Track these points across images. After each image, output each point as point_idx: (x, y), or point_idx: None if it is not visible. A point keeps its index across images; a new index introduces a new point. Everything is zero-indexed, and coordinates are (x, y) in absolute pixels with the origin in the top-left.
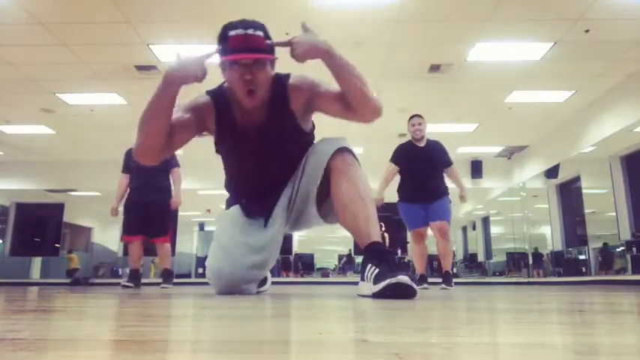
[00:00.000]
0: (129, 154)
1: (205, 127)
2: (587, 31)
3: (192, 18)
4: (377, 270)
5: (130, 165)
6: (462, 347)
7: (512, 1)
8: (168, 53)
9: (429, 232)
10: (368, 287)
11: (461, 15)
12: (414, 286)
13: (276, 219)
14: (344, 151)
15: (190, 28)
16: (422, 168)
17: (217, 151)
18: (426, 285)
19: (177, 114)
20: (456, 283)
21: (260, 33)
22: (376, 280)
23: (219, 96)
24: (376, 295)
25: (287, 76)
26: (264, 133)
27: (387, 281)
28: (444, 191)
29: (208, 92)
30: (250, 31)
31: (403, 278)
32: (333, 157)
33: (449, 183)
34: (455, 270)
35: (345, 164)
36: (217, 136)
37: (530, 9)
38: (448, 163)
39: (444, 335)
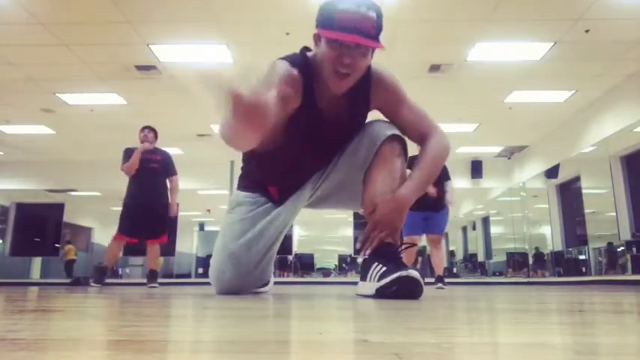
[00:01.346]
0: (127, 153)
1: (287, 106)
2: (587, 31)
3: (193, 18)
4: (384, 268)
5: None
6: (462, 347)
7: (512, 1)
8: (169, 53)
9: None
10: (370, 286)
11: (461, 15)
12: (422, 283)
13: (299, 199)
14: (395, 139)
15: (190, 28)
16: None
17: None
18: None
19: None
20: (456, 283)
21: (373, 15)
22: (382, 277)
23: (306, 72)
24: (380, 291)
25: (369, 68)
26: (340, 127)
27: (397, 274)
28: (444, 203)
29: (294, 63)
30: (363, 10)
31: (413, 272)
32: (384, 143)
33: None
34: (455, 270)
35: (393, 154)
36: (293, 120)
37: (530, 9)
38: (447, 176)
39: (444, 335)
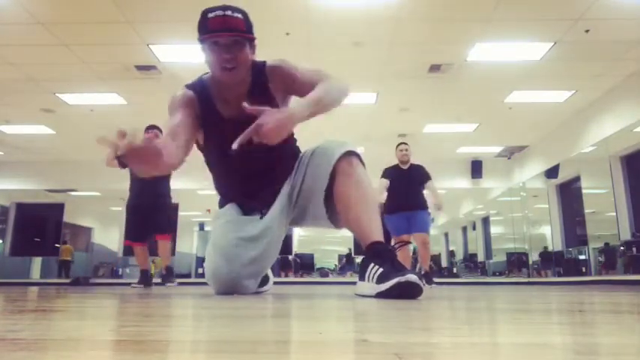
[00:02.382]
0: None
1: (194, 121)
2: (587, 31)
3: (193, 18)
4: (381, 269)
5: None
6: (462, 347)
7: (512, 1)
8: (169, 53)
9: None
10: (369, 287)
11: (461, 15)
12: (422, 285)
13: (275, 212)
14: (351, 154)
15: (190, 28)
16: (404, 185)
17: (204, 150)
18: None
19: (170, 120)
20: (456, 283)
21: (239, 15)
22: (380, 280)
23: (198, 87)
24: (381, 295)
25: (263, 62)
26: (249, 123)
27: (396, 280)
28: (422, 205)
29: (187, 85)
30: (229, 13)
31: (412, 277)
32: (340, 160)
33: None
34: (455, 270)
35: (351, 167)
36: (204, 130)
37: (530, 9)
38: (427, 178)
39: (444, 335)
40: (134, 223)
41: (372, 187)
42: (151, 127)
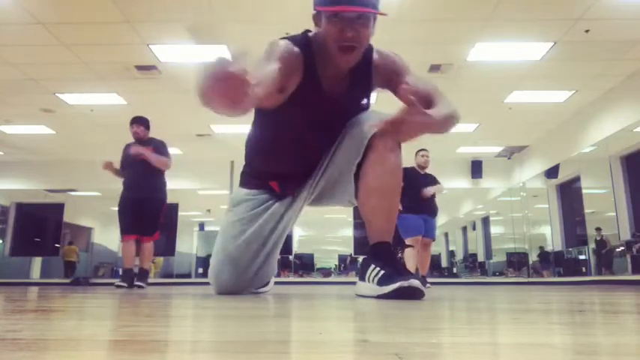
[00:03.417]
0: (125, 151)
1: (288, 82)
2: (587, 31)
3: (193, 18)
4: (382, 272)
5: (124, 162)
6: (462, 347)
7: (512, 1)
8: (169, 53)
9: None
10: (370, 288)
11: (461, 15)
12: (423, 289)
13: (299, 197)
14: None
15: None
16: (422, 189)
17: (271, 114)
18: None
19: (261, 65)
20: (456, 283)
21: None
22: (382, 282)
23: (307, 49)
24: (387, 297)
25: (371, 48)
26: (341, 104)
27: (399, 284)
28: (436, 212)
29: (294, 41)
30: None
31: (414, 282)
32: (377, 136)
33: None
34: (455, 270)
35: (387, 149)
36: (295, 96)
37: (530, 9)
38: (437, 181)
39: (444, 335)
40: (125, 215)
41: (400, 179)
42: (135, 123)
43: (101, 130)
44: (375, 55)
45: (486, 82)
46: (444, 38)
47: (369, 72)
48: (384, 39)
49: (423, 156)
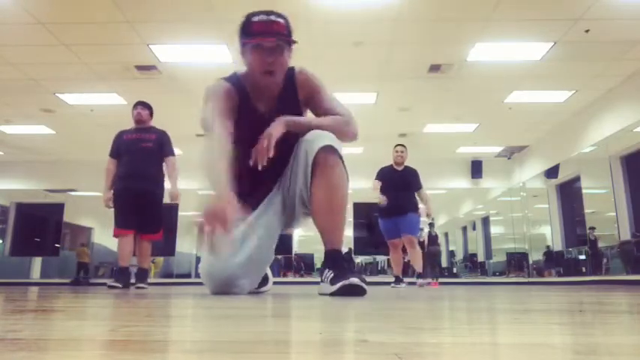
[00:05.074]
0: (119, 137)
1: (228, 112)
2: (587, 31)
3: (192, 18)
4: (332, 274)
5: (120, 149)
6: (461, 347)
7: (512, 1)
8: (169, 53)
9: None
10: (326, 287)
11: (461, 15)
12: (364, 286)
13: (265, 211)
14: (328, 150)
15: (190, 28)
16: (396, 187)
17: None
18: (403, 284)
19: (217, 105)
20: (456, 283)
21: (281, 20)
22: (332, 282)
23: (236, 82)
24: (333, 294)
25: (292, 68)
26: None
27: (341, 283)
28: (413, 208)
29: (225, 79)
30: (272, 17)
31: (354, 280)
32: (317, 154)
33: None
34: (455, 270)
35: (327, 165)
36: (238, 120)
37: (530, 9)
38: (418, 186)
39: (444, 335)
40: (122, 207)
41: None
42: (140, 105)
43: (101, 130)
44: (297, 74)
45: (486, 82)
46: (444, 38)
47: (295, 88)
48: (384, 39)
49: (396, 151)
